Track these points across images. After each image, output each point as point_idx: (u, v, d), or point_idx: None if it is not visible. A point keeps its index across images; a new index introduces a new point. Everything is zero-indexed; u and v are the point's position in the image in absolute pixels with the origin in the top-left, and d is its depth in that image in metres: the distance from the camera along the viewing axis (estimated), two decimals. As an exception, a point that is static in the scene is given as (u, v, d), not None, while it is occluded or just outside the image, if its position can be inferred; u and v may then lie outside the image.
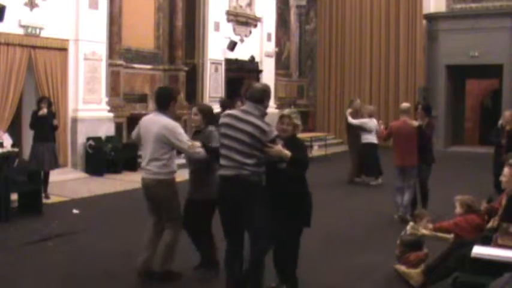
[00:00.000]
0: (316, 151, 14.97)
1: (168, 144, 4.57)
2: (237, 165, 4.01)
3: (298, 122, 4.34)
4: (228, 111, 4.32)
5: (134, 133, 4.98)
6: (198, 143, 4.57)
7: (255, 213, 4.03)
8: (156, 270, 4.75)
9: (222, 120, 4.17)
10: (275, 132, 4.08)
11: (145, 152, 4.69)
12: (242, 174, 4.00)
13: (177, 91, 4.30)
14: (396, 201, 7.40)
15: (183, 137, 4.58)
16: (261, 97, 4.14)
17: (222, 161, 4.12)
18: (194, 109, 4.97)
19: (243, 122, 4.03)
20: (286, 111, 4.44)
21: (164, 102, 4.67)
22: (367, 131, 10.28)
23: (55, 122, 8.60)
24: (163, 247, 4.75)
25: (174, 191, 4.73)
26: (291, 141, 4.23)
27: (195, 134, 4.90)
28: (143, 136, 4.74)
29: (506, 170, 4.50)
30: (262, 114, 4.11)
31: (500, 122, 9.41)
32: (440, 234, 4.98)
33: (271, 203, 4.11)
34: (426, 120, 7.47)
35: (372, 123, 10.27)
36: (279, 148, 4.00)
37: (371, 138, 10.27)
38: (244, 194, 4.02)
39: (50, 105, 8.67)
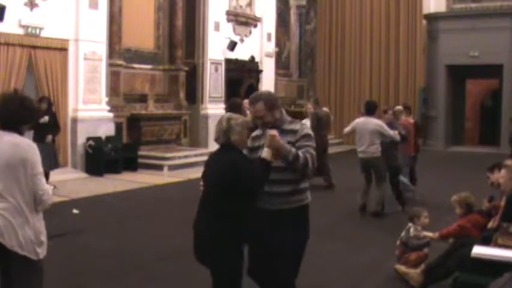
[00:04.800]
0: None
1: (379, 134, 7.40)
2: None
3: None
4: None
5: (348, 129, 8.04)
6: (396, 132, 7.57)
7: None
8: (370, 210, 7.57)
9: None
10: None
11: (363, 141, 7.50)
12: None
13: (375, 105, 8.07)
14: None
15: (387, 128, 7.44)
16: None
17: None
18: (384, 107, 8.43)
19: None
20: None
21: (371, 110, 7.62)
22: None
23: (45, 119, 8.49)
24: (376, 195, 7.53)
25: (382, 162, 7.53)
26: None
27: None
28: (360, 131, 7.56)
29: (503, 171, 4.50)
30: None
31: None
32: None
33: None
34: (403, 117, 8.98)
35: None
36: None
37: None
38: None
39: (50, 105, 8.65)
